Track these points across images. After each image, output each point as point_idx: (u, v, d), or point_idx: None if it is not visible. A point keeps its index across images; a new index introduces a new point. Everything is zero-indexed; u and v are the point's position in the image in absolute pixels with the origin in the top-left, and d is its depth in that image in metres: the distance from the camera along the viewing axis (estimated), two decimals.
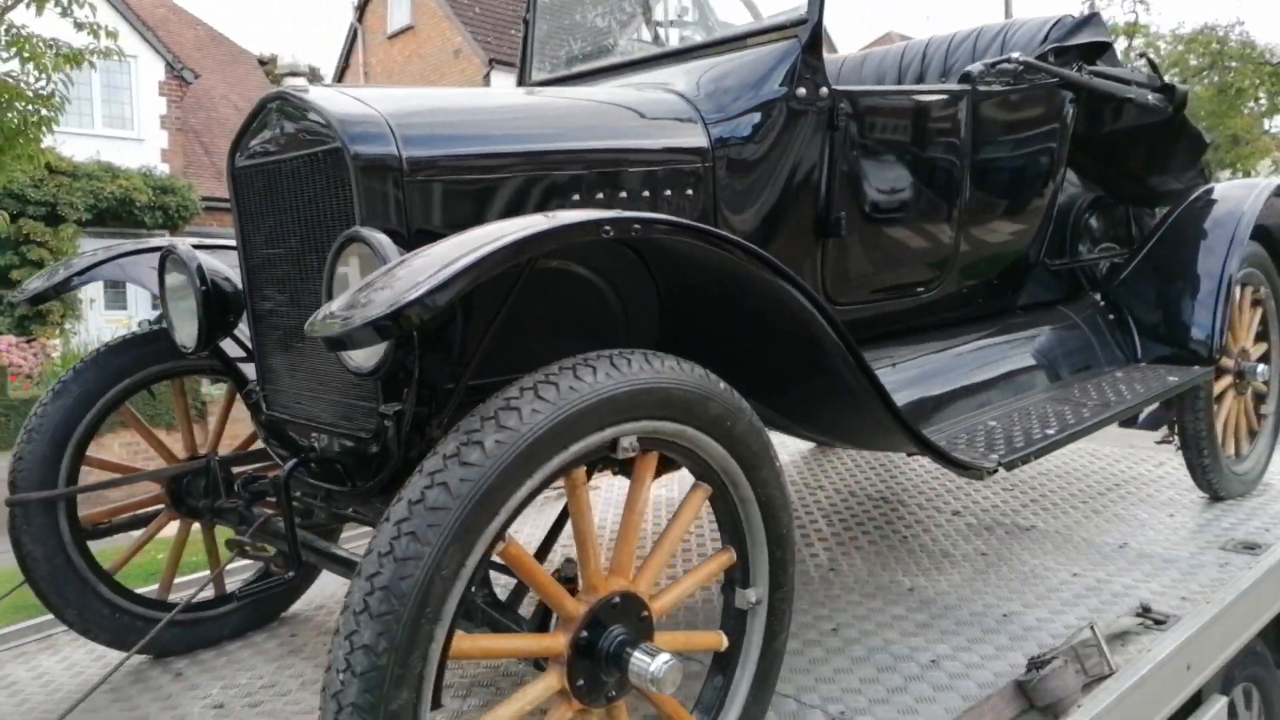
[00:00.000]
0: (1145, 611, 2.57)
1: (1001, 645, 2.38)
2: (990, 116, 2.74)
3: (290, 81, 1.91)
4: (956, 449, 2.29)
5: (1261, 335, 3.71)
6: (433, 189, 1.83)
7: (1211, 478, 3.37)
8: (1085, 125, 3.24)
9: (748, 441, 1.72)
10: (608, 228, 1.52)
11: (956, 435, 2.46)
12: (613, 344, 1.64)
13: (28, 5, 7.28)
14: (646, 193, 2.17)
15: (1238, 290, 3.46)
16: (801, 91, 2.32)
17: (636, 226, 1.56)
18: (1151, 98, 3.15)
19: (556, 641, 1.54)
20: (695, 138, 2.26)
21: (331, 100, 1.84)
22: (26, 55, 7.24)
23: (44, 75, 7.41)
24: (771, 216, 2.35)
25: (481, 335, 1.68)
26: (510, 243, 1.41)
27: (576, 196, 2.04)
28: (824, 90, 2.34)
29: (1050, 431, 2.52)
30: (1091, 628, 2.34)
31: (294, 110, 1.88)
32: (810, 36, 2.31)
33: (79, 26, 7.61)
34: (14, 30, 7.31)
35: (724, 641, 1.78)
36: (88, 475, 2.46)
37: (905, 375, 2.57)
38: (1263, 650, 2.99)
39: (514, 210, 1.92)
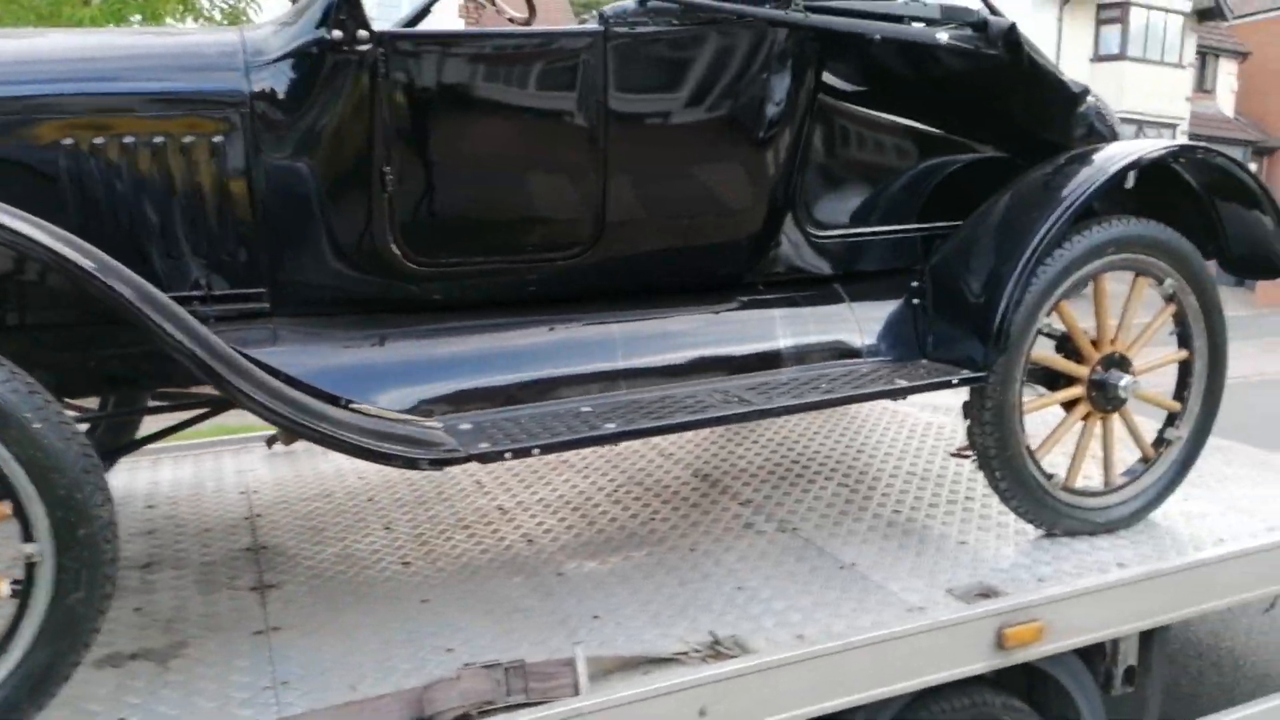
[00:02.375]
0: (714, 642, 2.23)
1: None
2: (645, 60, 2.38)
3: None
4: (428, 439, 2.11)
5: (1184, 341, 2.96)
6: None
7: (1020, 507, 2.77)
8: (895, 74, 2.72)
9: None
10: None
11: (491, 423, 2.26)
12: None
13: None
14: (160, 139, 2.16)
15: (1107, 279, 2.78)
16: (337, 34, 2.17)
17: None
18: (948, 36, 2.55)
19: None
20: (224, 83, 2.20)
21: None
22: None
23: None
24: (324, 170, 2.25)
25: None
26: None
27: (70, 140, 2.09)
28: (363, 33, 2.17)
29: (610, 428, 2.23)
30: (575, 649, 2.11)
31: None
32: None
33: None
34: None
35: None
36: None
37: (514, 344, 2.40)
38: None
39: None
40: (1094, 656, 2.74)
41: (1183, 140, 5.35)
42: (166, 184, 2.18)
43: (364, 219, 2.28)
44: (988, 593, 2.50)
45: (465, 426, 2.24)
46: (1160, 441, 3.00)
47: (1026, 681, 2.63)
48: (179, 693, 2.05)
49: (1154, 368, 2.98)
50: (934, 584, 2.54)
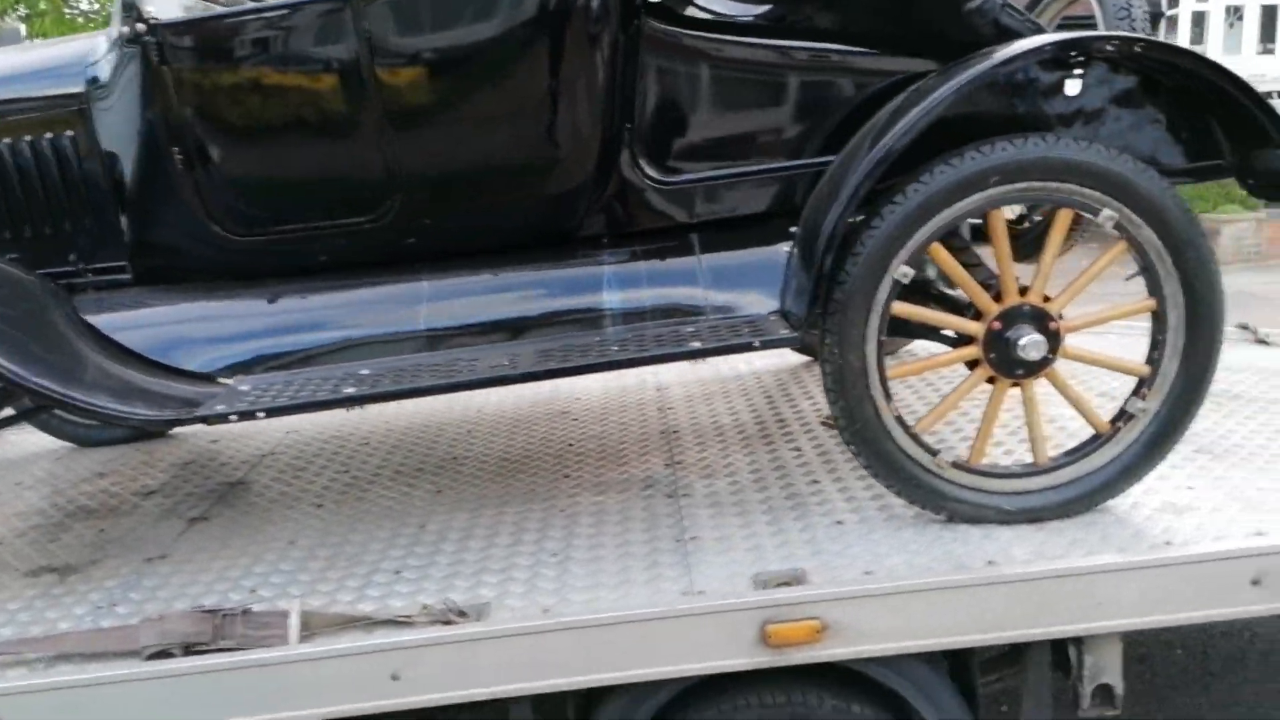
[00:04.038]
0: (450, 609, 2.20)
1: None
2: (403, 6, 2.32)
3: None
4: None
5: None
6: None
7: (892, 486, 2.38)
8: None
9: None
10: None
11: (270, 383, 2.39)
12: None
13: None
14: (28, 137, 2.56)
15: (1000, 214, 2.27)
16: (125, 30, 2.39)
17: None
18: None
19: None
20: (68, 85, 2.53)
21: None
22: None
23: None
24: (142, 155, 2.52)
25: None
26: None
27: None
28: (140, 26, 2.37)
29: (350, 390, 2.29)
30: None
31: None
32: None
33: None
34: None
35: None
36: None
37: (285, 312, 2.52)
38: None
39: None
40: (1060, 667, 2.32)
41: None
42: (38, 177, 2.57)
43: (183, 198, 2.50)
44: (791, 581, 2.21)
45: (244, 387, 2.41)
46: (1121, 415, 2.39)
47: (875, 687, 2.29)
48: None
49: (1099, 321, 2.37)
50: (752, 567, 2.29)
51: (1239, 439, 2.79)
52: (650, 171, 2.51)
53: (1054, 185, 2.22)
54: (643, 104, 2.47)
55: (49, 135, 2.53)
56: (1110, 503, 2.39)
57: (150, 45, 2.37)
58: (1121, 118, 2.38)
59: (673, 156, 2.52)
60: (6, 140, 2.54)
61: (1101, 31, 2.47)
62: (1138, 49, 2.19)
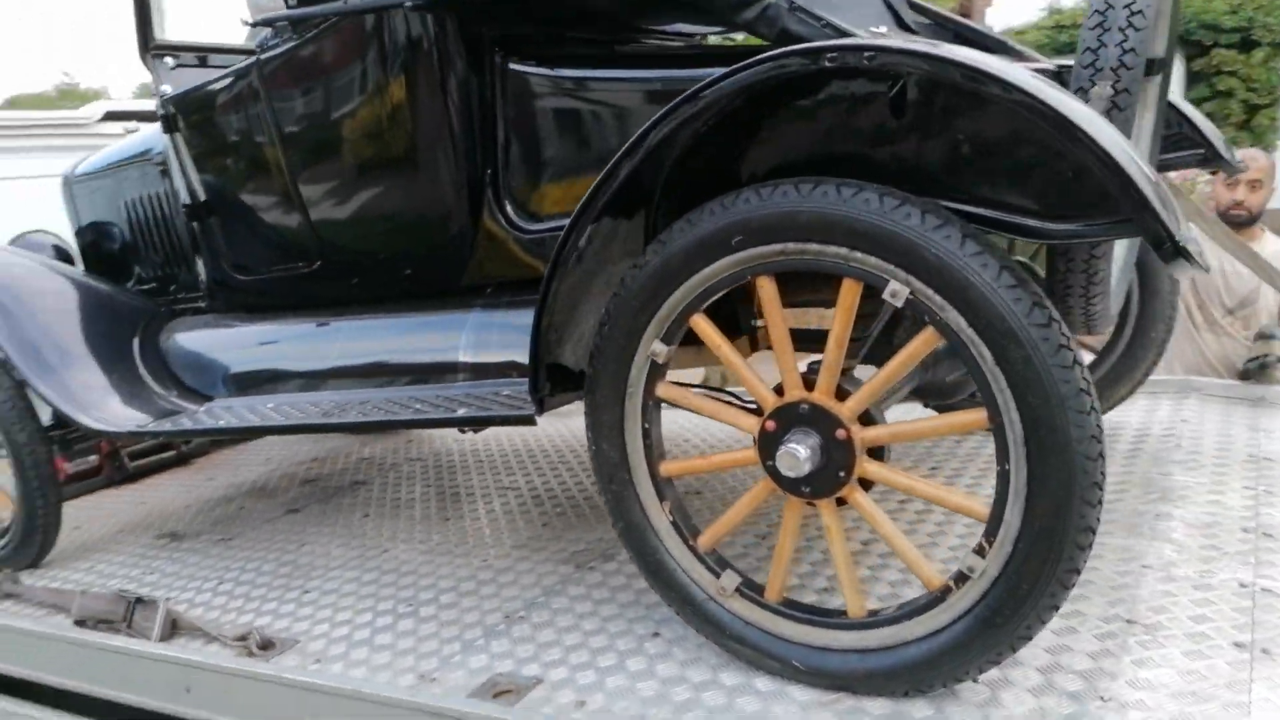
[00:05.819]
0: (254, 640, 2.32)
1: None
2: (294, 75, 2.46)
3: None
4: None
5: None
6: None
7: (675, 608, 1.95)
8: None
9: None
10: None
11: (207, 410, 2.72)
12: None
13: None
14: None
15: (765, 282, 1.78)
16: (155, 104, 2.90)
17: None
18: None
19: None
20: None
21: None
22: None
23: None
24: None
25: None
26: None
27: None
28: (163, 98, 2.84)
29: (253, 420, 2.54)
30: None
31: None
32: None
33: None
34: None
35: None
36: None
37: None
38: None
39: None
40: None
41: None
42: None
43: (204, 247, 2.97)
44: (500, 689, 1.94)
45: (200, 411, 2.78)
46: (960, 577, 1.66)
47: None
48: None
49: (912, 435, 1.67)
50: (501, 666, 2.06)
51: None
52: (515, 219, 2.35)
53: (816, 248, 1.64)
54: (505, 148, 2.33)
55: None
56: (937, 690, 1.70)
57: (167, 115, 2.83)
58: (988, 159, 1.66)
59: (534, 203, 2.33)
60: None
61: (857, 40, 1.70)
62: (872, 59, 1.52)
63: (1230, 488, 2.52)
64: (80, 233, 3.53)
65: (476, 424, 2.19)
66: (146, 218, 3.18)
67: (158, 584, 2.88)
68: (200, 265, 3.04)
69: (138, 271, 3.29)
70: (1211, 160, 2.63)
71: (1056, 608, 1.59)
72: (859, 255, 1.61)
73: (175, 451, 4.41)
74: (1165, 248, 1.41)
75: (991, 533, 1.61)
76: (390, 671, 2.11)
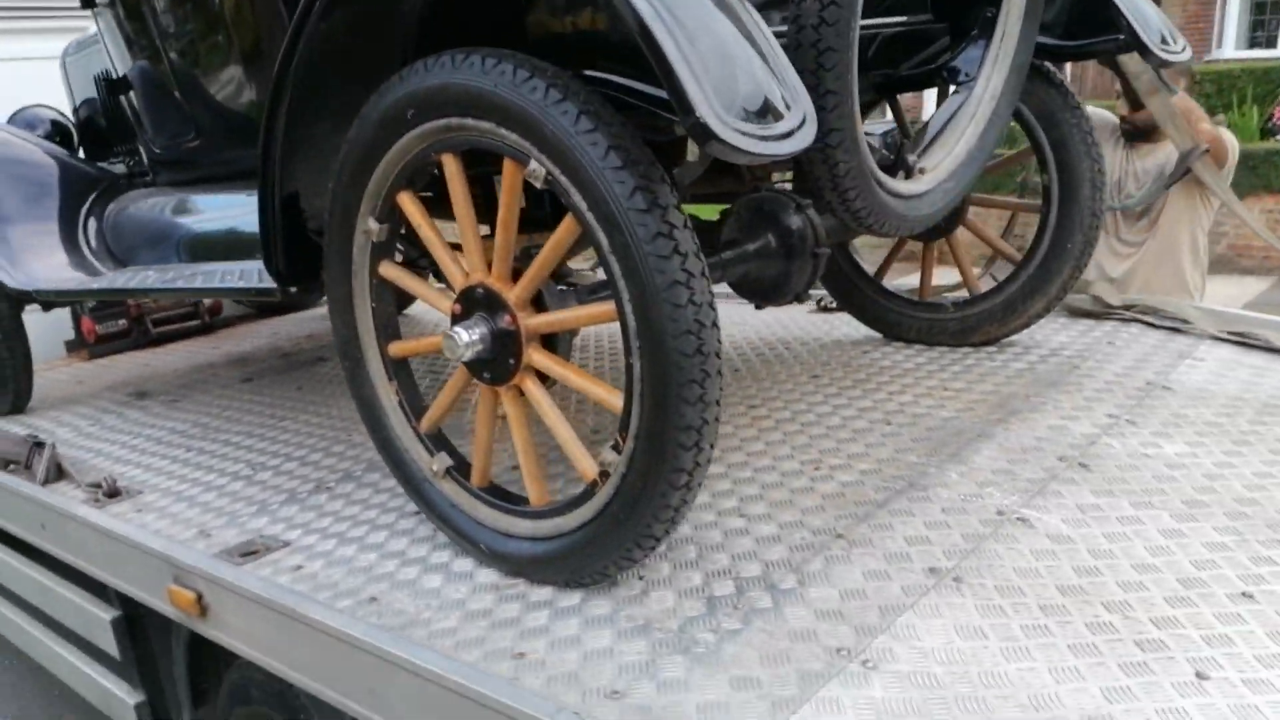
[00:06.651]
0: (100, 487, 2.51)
1: None
2: None
3: None
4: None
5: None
6: None
7: (401, 486, 1.98)
8: None
9: None
10: None
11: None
12: None
13: None
14: None
15: (449, 160, 1.74)
16: None
17: None
18: None
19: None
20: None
21: None
22: None
23: None
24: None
25: None
26: None
27: None
28: None
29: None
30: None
31: None
32: None
33: None
34: None
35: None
36: None
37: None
38: None
39: None
40: None
41: None
42: None
43: (132, 121, 3.12)
44: (250, 549, 2.04)
45: (105, 276, 2.98)
46: (604, 474, 1.61)
47: None
48: None
49: (561, 324, 1.59)
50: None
51: None
52: None
53: (472, 123, 1.58)
54: None
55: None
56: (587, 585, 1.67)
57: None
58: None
59: None
60: None
61: None
62: None
63: (1091, 414, 2.30)
64: (75, 110, 3.77)
65: (213, 295, 2.29)
66: (106, 93, 3.36)
67: (97, 435, 3.14)
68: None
69: (114, 146, 3.50)
70: (1131, 46, 2.33)
71: (671, 508, 1.53)
72: (503, 131, 1.54)
73: (200, 321, 4.73)
74: (690, 126, 1.30)
75: (624, 428, 1.55)
76: (182, 525, 2.25)
